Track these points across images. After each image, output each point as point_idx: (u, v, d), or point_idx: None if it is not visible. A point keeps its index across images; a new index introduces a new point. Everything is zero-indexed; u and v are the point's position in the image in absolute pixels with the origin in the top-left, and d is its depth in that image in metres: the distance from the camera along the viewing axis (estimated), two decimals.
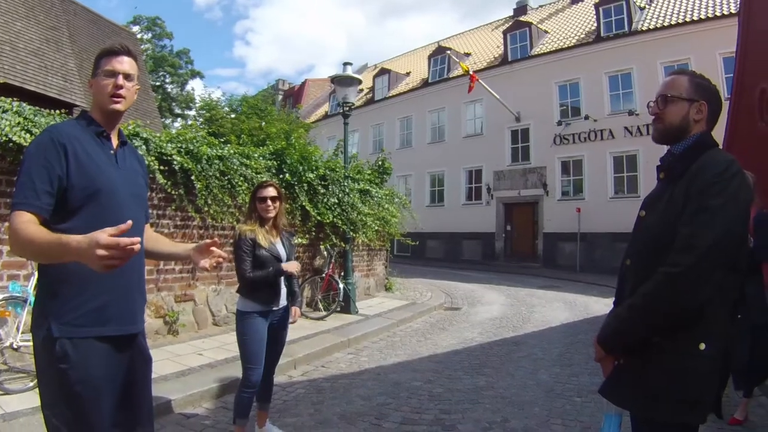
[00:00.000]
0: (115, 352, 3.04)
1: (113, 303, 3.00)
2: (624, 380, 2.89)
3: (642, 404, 2.77)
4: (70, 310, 2.88)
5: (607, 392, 2.99)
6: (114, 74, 3.14)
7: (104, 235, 2.34)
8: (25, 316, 7.23)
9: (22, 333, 7.21)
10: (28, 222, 2.70)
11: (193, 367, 8.39)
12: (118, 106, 3.15)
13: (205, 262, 3.37)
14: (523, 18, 40.94)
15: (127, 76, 3.19)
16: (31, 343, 6.93)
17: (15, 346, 7.19)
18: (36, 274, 7.03)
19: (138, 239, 2.43)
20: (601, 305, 16.42)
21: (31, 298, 7.21)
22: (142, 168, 3.48)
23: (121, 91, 3.15)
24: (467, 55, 41.68)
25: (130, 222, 2.45)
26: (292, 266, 5.56)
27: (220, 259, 3.39)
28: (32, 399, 6.47)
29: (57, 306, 2.89)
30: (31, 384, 6.97)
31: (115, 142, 3.25)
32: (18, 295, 7.32)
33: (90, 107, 3.33)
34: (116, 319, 3.02)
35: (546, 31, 37.54)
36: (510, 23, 40.57)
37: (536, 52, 35.56)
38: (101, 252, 2.32)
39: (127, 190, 3.16)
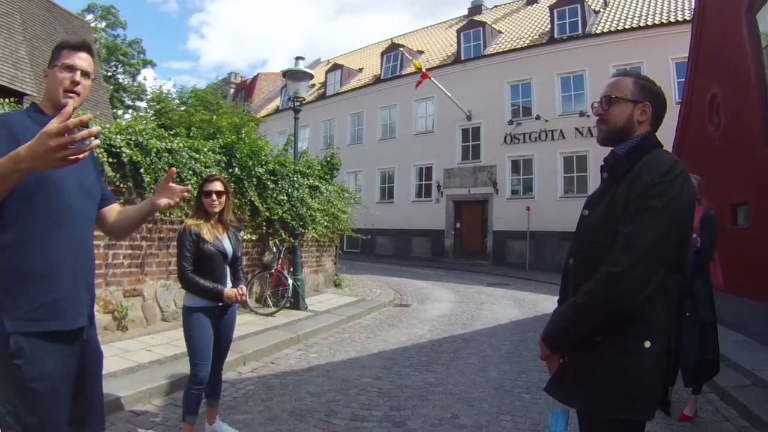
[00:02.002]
0: (68, 346, 3.02)
1: (63, 298, 2.96)
2: (569, 378, 2.92)
3: (587, 401, 2.82)
4: (22, 305, 2.85)
5: (553, 390, 3.02)
6: (72, 69, 3.13)
7: (52, 124, 2.30)
8: None
9: None
10: None
11: (143, 364, 8.30)
12: (70, 101, 3.08)
13: (166, 201, 3.42)
14: (477, 17, 41.24)
15: (85, 74, 3.18)
16: None
17: None
18: None
19: (96, 130, 2.39)
20: (550, 303, 16.47)
21: None
22: (92, 160, 3.43)
23: (78, 88, 3.14)
24: (420, 52, 41.83)
25: (69, 107, 2.43)
26: (233, 293, 5.48)
27: (185, 194, 3.43)
28: None
29: (9, 301, 2.86)
30: None
31: None
32: None
33: (41, 98, 3.30)
34: (67, 313, 2.98)
35: (500, 31, 37.84)
36: (464, 22, 40.75)
37: (489, 52, 35.82)
38: (55, 142, 2.30)
39: (75, 183, 3.11)
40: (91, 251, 3.28)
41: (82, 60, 3.17)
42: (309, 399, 7.27)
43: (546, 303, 16.74)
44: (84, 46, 3.23)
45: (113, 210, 3.60)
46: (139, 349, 9.16)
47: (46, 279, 2.91)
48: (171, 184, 3.38)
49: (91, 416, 3.26)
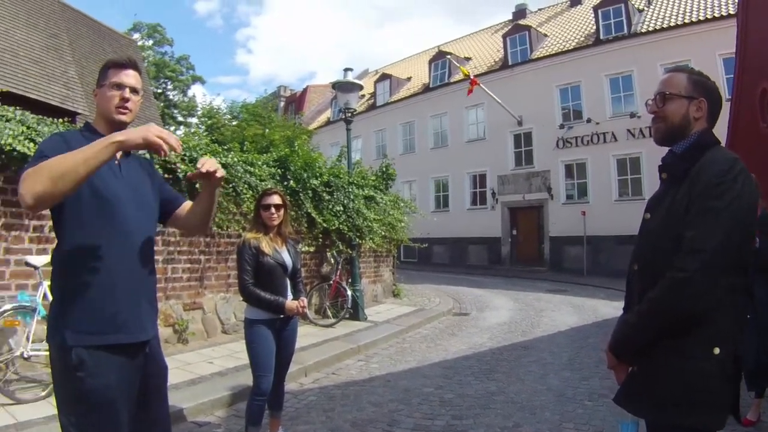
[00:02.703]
0: (130, 360, 3.06)
1: (124, 311, 3.00)
2: (637, 387, 2.86)
3: (657, 411, 2.74)
4: (83, 319, 2.90)
5: (622, 400, 2.95)
6: (121, 87, 3.18)
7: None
8: (35, 326, 7.24)
9: (32, 342, 7.22)
10: None
11: (204, 376, 8.41)
12: (124, 118, 3.19)
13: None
14: (522, 22, 40.82)
15: (134, 90, 3.23)
16: (41, 353, 6.97)
17: (26, 356, 7.19)
18: (45, 283, 7.07)
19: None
20: (609, 308, 16.41)
21: (40, 308, 7.26)
22: (149, 175, 3.47)
23: (128, 104, 3.20)
24: (467, 59, 41.60)
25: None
26: (294, 306, 5.52)
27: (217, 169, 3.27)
28: (44, 408, 6.57)
29: (70, 315, 2.91)
30: (43, 393, 7.00)
31: (119, 154, 3.15)
32: (27, 304, 7.33)
33: (93, 118, 3.37)
34: (127, 327, 3.02)
35: (545, 35, 37.51)
36: (509, 27, 40.46)
37: (536, 56, 35.56)
38: (157, 131, 2.65)
39: (132, 200, 3.16)
40: (150, 265, 3.29)
41: (129, 77, 3.23)
42: (371, 409, 7.26)
43: (605, 309, 16.56)
44: (130, 64, 3.28)
45: (185, 208, 3.64)
46: (201, 362, 9.27)
47: (105, 293, 2.95)
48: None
49: (157, 429, 3.31)
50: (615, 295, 19.69)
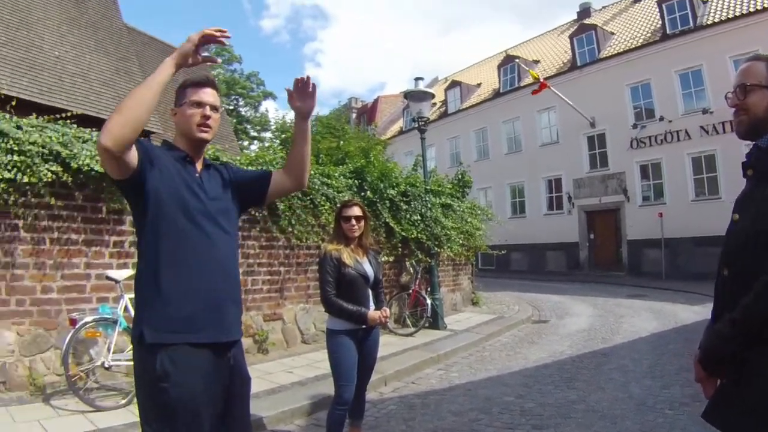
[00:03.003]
0: (216, 369, 3.13)
1: (203, 312, 3.10)
2: (729, 402, 2.62)
3: (752, 428, 2.49)
4: (162, 317, 3.00)
5: (711, 416, 2.72)
6: (201, 105, 3.28)
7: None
8: (116, 337, 7.54)
9: (114, 353, 7.50)
10: None
11: (284, 385, 8.56)
12: (205, 135, 3.31)
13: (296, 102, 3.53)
14: (587, 21, 40.35)
15: (213, 108, 3.33)
16: (122, 363, 7.27)
17: (106, 366, 7.47)
18: (126, 297, 7.35)
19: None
20: (689, 313, 16.18)
21: (121, 320, 7.55)
22: (227, 180, 3.54)
23: (209, 121, 3.30)
24: (536, 62, 41.31)
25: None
26: (376, 316, 5.57)
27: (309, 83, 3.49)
28: (123, 416, 6.84)
29: (149, 313, 3.03)
30: (123, 402, 7.29)
31: (199, 167, 3.38)
32: (108, 316, 7.61)
33: (173, 136, 3.48)
34: (208, 328, 3.10)
35: (612, 33, 37.01)
36: (575, 27, 40.03)
37: (604, 55, 35.19)
38: (198, 34, 2.80)
39: (213, 207, 3.27)
40: (230, 268, 3.36)
41: (208, 95, 3.32)
42: (451, 418, 7.30)
43: (684, 313, 16.25)
44: (208, 82, 3.38)
45: (278, 173, 3.75)
46: (281, 371, 9.43)
47: (184, 295, 3.04)
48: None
49: None
50: (694, 299, 19.46)
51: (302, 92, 3.49)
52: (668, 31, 31.57)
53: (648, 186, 32.82)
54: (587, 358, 10.76)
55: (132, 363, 7.22)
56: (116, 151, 2.72)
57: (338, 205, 6.18)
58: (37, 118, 8.02)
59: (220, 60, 2.54)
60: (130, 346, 7.63)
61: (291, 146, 3.76)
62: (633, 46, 33.65)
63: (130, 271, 8.16)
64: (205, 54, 3.02)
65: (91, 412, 6.96)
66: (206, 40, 2.85)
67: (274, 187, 3.71)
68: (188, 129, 3.29)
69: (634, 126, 32.65)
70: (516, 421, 7.06)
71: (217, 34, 2.99)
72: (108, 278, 7.96)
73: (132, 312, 7.58)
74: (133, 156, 2.90)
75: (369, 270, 5.75)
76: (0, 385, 7.39)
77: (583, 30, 37.33)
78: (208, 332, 3.09)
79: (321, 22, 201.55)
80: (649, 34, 33.61)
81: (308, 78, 3.46)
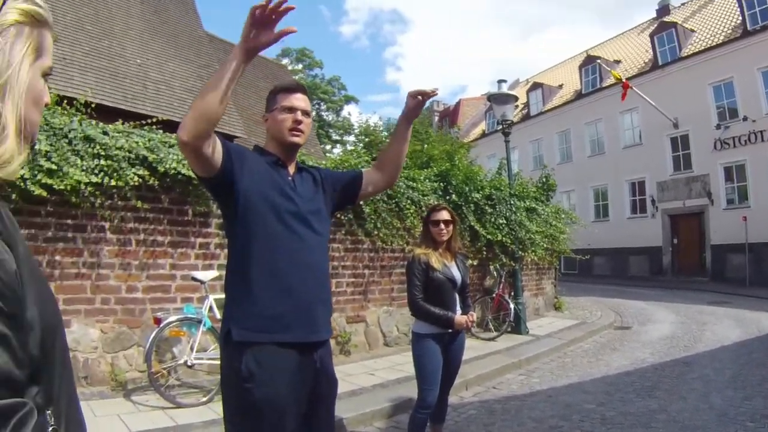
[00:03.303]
0: (301, 370, 3.15)
1: (292, 311, 3.11)
2: None
3: None
4: (250, 316, 3.04)
5: None
6: (292, 110, 3.32)
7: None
8: (200, 336, 7.70)
9: (196, 352, 7.68)
10: None
11: (365, 387, 8.61)
12: (298, 139, 3.34)
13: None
14: (667, 19, 39.46)
15: (305, 113, 3.37)
16: (204, 361, 7.43)
17: (189, 364, 7.66)
18: (211, 297, 7.50)
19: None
20: None
21: (206, 320, 7.70)
22: (320, 182, 3.57)
23: (301, 126, 3.33)
24: (617, 62, 40.64)
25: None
26: (463, 320, 5.50)
27: (434, 91, 3.51)
28: (204, 413, 6.98)
29: (238, 312, 3.08)
30: (203, 399, 7.45)
31: (291, 171, 3.41)
32: (192, 316, 7.77)
33: (264, 141, 3.52)
34: (296, 327, 3.12)
35: (692, 30, 36.03)
36: (655, 25, 39.33)
37: (686, 53, 34.46)
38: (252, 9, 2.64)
39: (305, 209, 3.28)
40: (320, 269, 3.38)
41: (299, 100, 3.36)
42: (531, 425, 7.27)
43: None
44: (299, 88, 3.45)
45: (369, 172, 3.83)
46: (362, 373, 9.49)
47: (275, 295, 3.07)
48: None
49: None
50: None
51: (422, 101, 3.55)
52: (749, 27, 30.68)
53: (732, 188, 32.03)
54: (669, 366, 10.60)
55: (214, 362, 7.33)
56: (193, 144, 2.76)
57: (427, 210, 6.24)
58: (123, 124, 8.22)
59: (295, 29, 2.45)
60: (213, 345, 7.81)
61: (389, 144, 3.82)
62: (714, 43, 32.87)
63: (215, 273, 8.37)
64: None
65: (171, 408, 7.13)
66: (261, 15, 2.68)
67: (366, 186, 3.76)
68: (280, 133, 3.33)
69: (718, 126, 31.93)
70: (596, 430, 7.02)
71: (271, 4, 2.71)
72: (194, 279, 8.18)
73: (216, 312, 7.75)
74: (215, 152, 2.95)
75: (457, 274, 5.72)
76: (82, 380, 7.57)
77: (664, 28, 36.73)
78: (295, 332, 3.11)
79: (400, 27, 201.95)
80: (729, 31, 32.76)
81: (434, 91, 3.50)
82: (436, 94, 3.53)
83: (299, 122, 3.32)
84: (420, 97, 3.53)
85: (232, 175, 3.05)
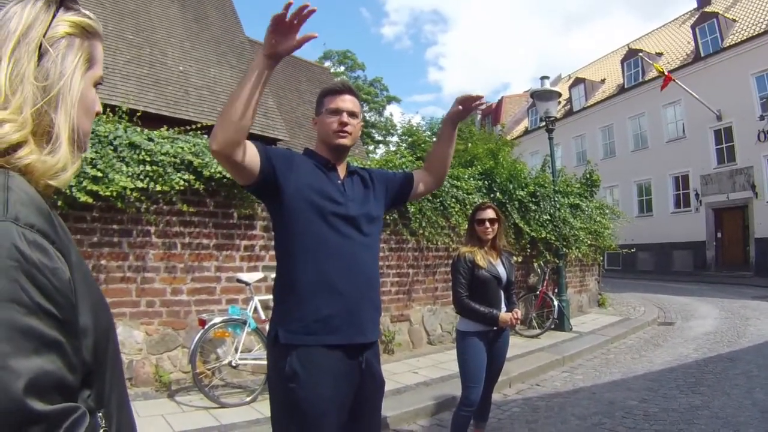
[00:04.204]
0: (347, 371, 3.13)
1: (340, 314, 3.08)
2: None
3: None
4: (297, 318, 3.05)
5: None
6: (338, 112, 3.31)
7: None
8: (244, 337, 7.81)
9: (241, 352, 7.76)
10: None
11: (409, 385, 8.65)
12: (344, 141, 3.33)
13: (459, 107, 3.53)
14: (708, 9, 38.81)
15: (351, 114, 3.35)
16: (248, 362, 7.57)
17: (234, 364, 7.74)
18: (256, 299, 7.63)
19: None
20: None
21: (251, 321, 7.78)
22: (370, 184, 3.56)
23: (347, 128, 3.31)
24: (659, 54, 40.35)
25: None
26: (508, 318, 5.50)
27: (481, 99, 3.49)
28: (248, 413, 7.07)
29: (285, 314, 3.11)
30: (247, 399, 7.53)
31: (342, 173, 3.40)
32: (237, 317, 7.83)
33: (314, 144, 3.53)
34: (343, 329, 3.09)
35: (734, 20, 35.52)
36: (696, 16, 38.72)
37: (728, 44, 33.98)
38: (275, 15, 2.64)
39: (356, 212, 3.26)
40: (369, 270, 3.36)
41: (345, 102, 3.35)
42: (575, 422, 7.26)
43: None
44: (345, 89, 3.42)
45: (418, 173, 3.84)
46: (406, 372, 9.53)
47: (320, 297, 3.06)
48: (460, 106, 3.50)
49: None
50: None
51: (469, 107, 3.54)
52: None
53: None
54: (712, 362, 10.51)
55: (259, 362, 7.44)
56: (224, 152, 2.79)
57: (472, 209, 6.23)
58: (167, 130, 8.35)
59: (317, 34, 2.42)
60: (258, 346, 7.95)
61: (435, 146, 3.82)
62: (756, 32, 32.36)
63: (260, 274, 8.52)
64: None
65: (216, 408, 7.23)
66: (282, 22, 2.66)
67: (416, 186, 3.79)
68: (326, 136, 3.34)
69: (761, 117, 31.49)
70: (639, 426, 7.00)
71: (292, 12, 2.64)
72: (239, 281, 8.28)
73: (261, 313, 7.87)
74: (251, 161, 2.95)
75: (502, 271, 5.75)
76: (126, 382, 7.66)
77: (705, 19, 36.28)
78: (343, 334, 3.11)
79: (441, 26, 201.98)
80: None
81: (479, 98, 3.47)
82: (482, 104, 3.53)
83: (344, 124, 3.31)
84: (461, 106, 3.53)
85: (276, 179, 3.07)
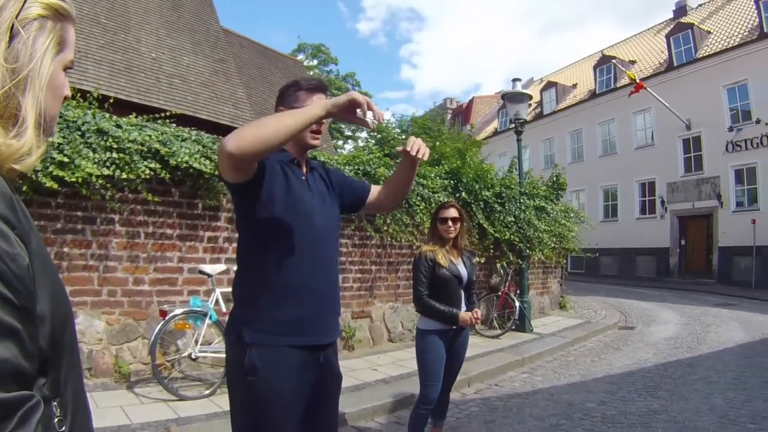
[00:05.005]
0: (305, 366, 3.12)
1: (310, 314, 3.10)
2: None
3: None
4: (265, 319, 3.01)
5: None
6: None
7: (360, 96, 2.74)
8: (204, 329, 7.77)
9: (201, 344, 7.73)
10: None
11: (368, 382, 8.67)
12: (316, 142, 3.34)
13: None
14: (684, 19, 38.99)
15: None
16: (208, 354, 7.54)
17: (193, 357, 7.72)
18: (217, 291, 7.59)
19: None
20: None
21: (212, 313, 7.75)
22: (330, 183, 3.53)
23: (321, 128, 3.30)
24: (633, 62, 40.54)
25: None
26: (467, 317, 5.51)
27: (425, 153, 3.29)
28: (206, 406, 7.06)
29: (253, 314, 3.04)
30: (206, 392, 7.51)
31: (304, 169, 3.36)
32: (198, 309, 7.81)
33: None
34: (310, 331, 3.10)
35: (709, 32, 35.70)
36: (672, 26, 39.03)
37: (701, 55, 34.18)
38: (354, 98, 2.73)
39: (321, 211, 3.25)
40: (336, 271, 3.44)
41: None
42: (533, 422, 7.31)
43: None
44: (321, 88, 3.36)
45: (376, 190, 3.73)
46: (366, 368, 9.56)
47: (293, 298, 3.04)
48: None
49: None
50: None
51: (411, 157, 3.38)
52: (765, 30, 30.41)
53: (742, 191, 31.93)
54: (672, 367, 10.62)
55: (218, 355, 7.43)
56: (237, 160, 2.72)
57: (435, 207, 6.28)
58: (136, 117, 8.29)
59: (373, 127, 2.47)
60: (218, 339, 7.92)
61: (396, 173, 3.61)
62: (730, 45, 32.66)
63: (222, 266, 8.47)
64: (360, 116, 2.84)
65: (174, 401, 7.20)
66: (357, 105, 2.75)
67: (371, 202, 3.72)
68: (300, 134, 3.14)
69: (730, 129, 31.80)
70: (597, 428, 7.06)
71: (369, 110, 2.82)
72: (201, 272, 8.24)
73: (222, 306, 7.83)
74: (252, 169, 2.92)
75: (463, 271, 5.76)
76: (86, 372, 7.65)
77: (680, 29, 36.42)
78: (311, 335, 3.13)
79: (417, 24, 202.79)
80: (746, 33, 32.50)
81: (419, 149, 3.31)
82: (418, 158, 3.29)
83: (320, 124, 3.25)
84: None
85: (261, 181, 3.03)
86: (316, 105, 2.81)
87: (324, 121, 3.16)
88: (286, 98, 3.36)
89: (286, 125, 2.71)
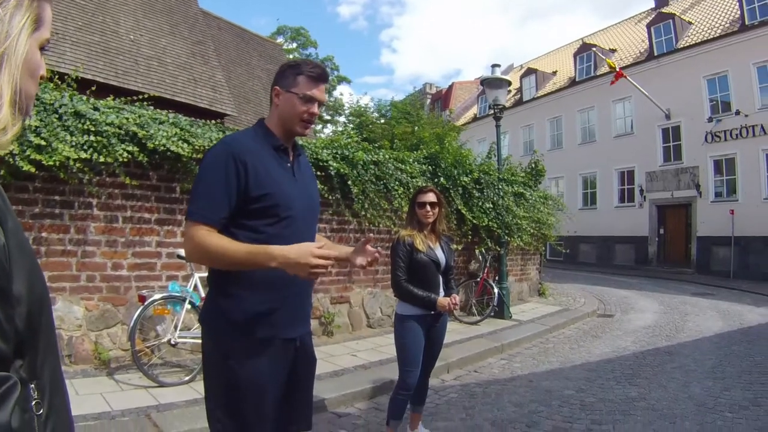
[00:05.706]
0: (281, 352, 3.15)
1: (284, 308, 3.11)
2: None
3: None
4: (242, 311, 3.02)
5: None
6: (313, 101, 3.17)
7: (315, 248, 2.69)
8: (184, 315, 7.74)
9: (180, 330, 7.70)
10: (209, 233, 2.88)
11: (347, 368, 8.68)
12: (307, 131, 3.32)
13: (361, 260, 3.42)
14: (665, 9, 39.02)
15: (321, 104, 3.26)
16: (188, 340, 7.48)
17: (173, 342, 7.68)
18: (196, 275, 7.53)
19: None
20: (756, 315, 15.91)
21: (190, 298, 7.74)
22: (313, 174, 3.59)
23: (313, 117, 3.22)
24: (612, 51, 40.60)
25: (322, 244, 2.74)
26: (445, 302, 5.49)
27: (376, 256, 3.42)
28: (186, 392, 7.04)
29: (229, 306, 3.04)
30: (186, 378, 7.49)
31: (291, 154, 3.30)
32: (177, 294, 7.78)
33: (268, 117, 3.35)
34: (285, 323, 3.13)
35: (690, 22, 35.70)
36: (653, 16, 38.99)
37: (682, 45, 34.19)
38: (315, 262, 2.68)
39: (303, 201, 3.23)
40: None
41: (323, 93, 3.24)
42: (511, 409, 7.34)
43: (751, 315, 15.96)
44: (324, 77, 3.25)
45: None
46: (345, 354, 9.58)
47: (269, 291, 3.05)
48: (368, 246, 3.42)
49: (298, 416, 3.40)
50: (762, 300, 19.36)
51: (363, 251, 3.47)
52: (747, 22, 30.49)
53: (721, 182, 31.98)
54: (650, 355, 10.68)
55: (198, 340, 7.40)
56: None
57: (414, 191, 6.20)
58: (114, 99, 8.21)
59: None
60: (197, 324, 7.81)
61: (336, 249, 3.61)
62: (711, 36, 32.67)
63: None
64: None
65: (154, 387, 7.17)
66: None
67: None
68: (291, 120, 3.21)
69: (710, 119, 31.83)
70: (575, 416, 7.09)
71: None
72: (179, 257, 8.22)
73: (201, 291, 7.81)
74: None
75: (441, 256, 5.76)
76: (65, 359, 7.61)
77: (661, 19, 36.41)
78: (283, 329, 3.15)
79: (398, 9, 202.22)
80: (727, 24, 32.54)
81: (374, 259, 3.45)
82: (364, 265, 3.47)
83: (314, 115, 3.22)
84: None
85: (245, 194, 3.00)
86: (274, 256, 2.79)
87: (316, 110, 3.19)
88: (284, 79, 3.23)
89: (233, 264, 2.90)
